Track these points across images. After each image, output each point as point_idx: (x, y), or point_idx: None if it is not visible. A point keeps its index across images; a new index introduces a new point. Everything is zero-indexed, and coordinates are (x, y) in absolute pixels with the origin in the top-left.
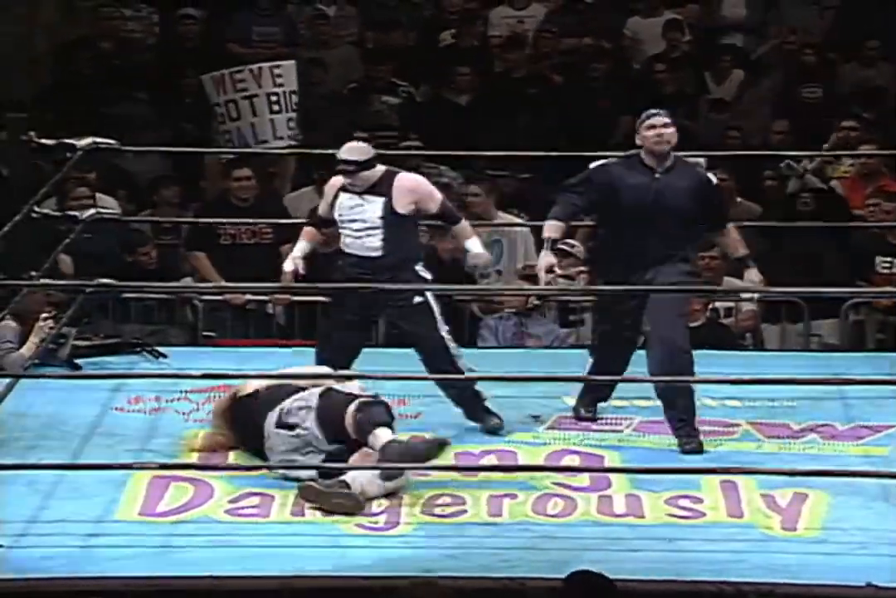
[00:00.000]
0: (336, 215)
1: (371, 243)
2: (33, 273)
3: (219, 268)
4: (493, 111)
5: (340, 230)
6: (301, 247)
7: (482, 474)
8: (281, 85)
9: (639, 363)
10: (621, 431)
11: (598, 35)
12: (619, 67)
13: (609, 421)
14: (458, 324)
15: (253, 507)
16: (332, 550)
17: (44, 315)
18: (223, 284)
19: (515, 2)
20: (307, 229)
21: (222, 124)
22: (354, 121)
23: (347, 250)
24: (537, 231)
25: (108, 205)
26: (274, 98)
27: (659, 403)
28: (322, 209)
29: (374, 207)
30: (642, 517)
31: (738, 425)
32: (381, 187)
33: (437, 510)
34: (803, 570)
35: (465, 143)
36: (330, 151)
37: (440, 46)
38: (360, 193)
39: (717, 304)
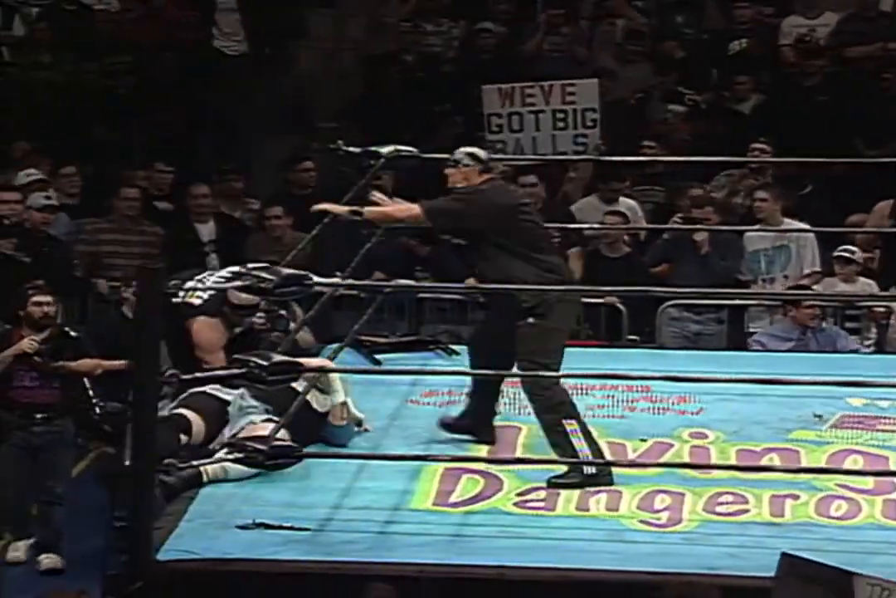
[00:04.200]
0: None
1: None
2: (339, 274)
3: None
4: (782, 118)
5: None
6: None
7: (765, 473)
8: (571, 103)
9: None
10: None
11: (892, 42)
12: None
13: (894, 421)
14: (740, 327)
15: (540, 500)
16: (615, 544)
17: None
18: (513, 286)
19: (807, 11)
20: None
21: (497, 134)
22: (641, 129)
23: None
24: (822, 238)
25: None
26: (560, 115)
27: None
28: None
29: None
30: None
31: None
32: None
33: (720, 509)
34: None
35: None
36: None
37: (728, 55)
38: None
39: None
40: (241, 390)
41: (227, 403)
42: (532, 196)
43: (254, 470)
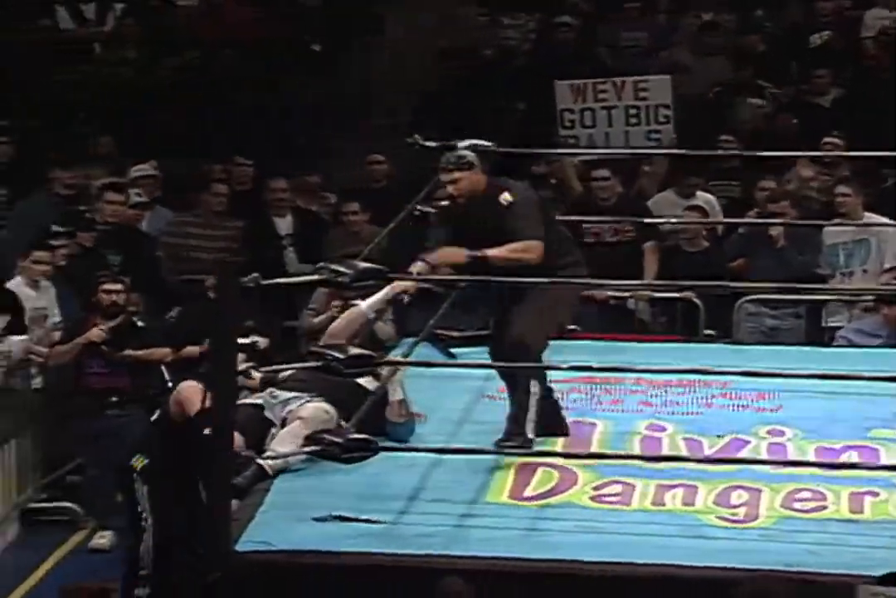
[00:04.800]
0: None
1: None
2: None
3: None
4: (862, 111)
5: None
6: None
7: (844, 470)
8: (644, 99)
9: None
10: None
11: None
12: None
13: None
14: (818, 322)
15: (615, 495)
16: (692, 540)
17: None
18: (586, 280)
19: (891, 3)
20: None
21: (569, 129)
22: (719, 123)
23: None
24: None
25: None
26: (633, 111)
27: None
28: None
29: None
30: None
31: None
32: None
33: (798, 505)
34: None
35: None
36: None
37: (809, 48)
38: None
39: None
40: (268, 390)
41: (262, 406)
42: (605, 190)
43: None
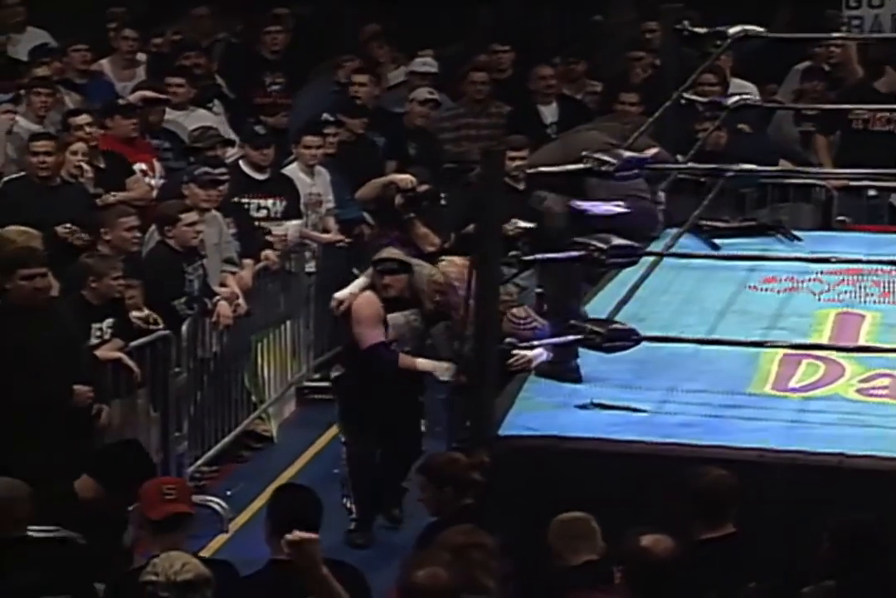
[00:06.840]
0: None
1: None
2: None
3: (847, 152)
4: None
5: None
6: None
7: None
8: None
9: None
10: None
11: None
12: None
13: None
14: None
15: (883, 388)
16: None
17: None
18: (845, 170)
19: None
20: None
21: (855, 9)
22: None
23: None
24: None
25: (747, 90)
26: None
27: None
28: None
29: None
30: None
31: None
32: None
33: None
34: None
35: None
36: None
37: None
38: None
39: None
40: None
41: None
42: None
43: None
